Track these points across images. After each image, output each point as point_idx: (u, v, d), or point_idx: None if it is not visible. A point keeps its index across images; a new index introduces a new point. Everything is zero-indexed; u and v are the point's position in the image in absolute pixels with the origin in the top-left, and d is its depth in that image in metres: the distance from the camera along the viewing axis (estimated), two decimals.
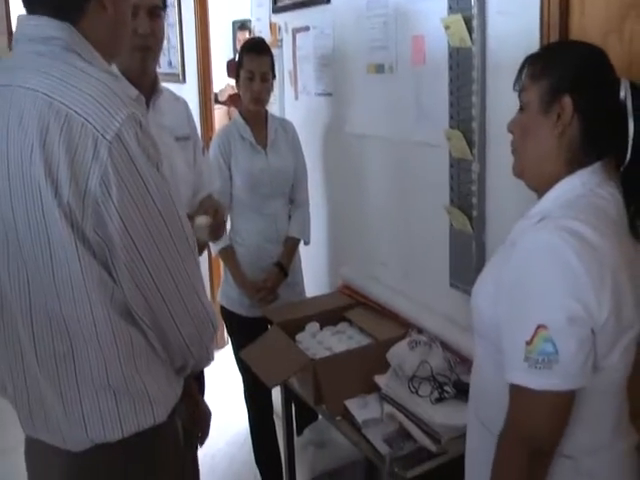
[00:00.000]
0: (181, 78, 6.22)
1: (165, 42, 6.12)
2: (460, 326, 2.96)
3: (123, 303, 1.75)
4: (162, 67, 6.33)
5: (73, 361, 1.77)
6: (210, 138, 4.68)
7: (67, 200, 1.64)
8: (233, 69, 4.14)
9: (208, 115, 6.13)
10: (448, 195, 3.06)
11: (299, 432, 3.94)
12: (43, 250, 1.70)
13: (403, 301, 3.39)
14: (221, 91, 7.95)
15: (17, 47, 1.80)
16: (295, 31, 4.35)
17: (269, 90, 3.96)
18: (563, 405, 1.68)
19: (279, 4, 4.47)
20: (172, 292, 1.78)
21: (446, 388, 2.69)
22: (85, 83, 1.69)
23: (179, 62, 6.23)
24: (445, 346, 2.92)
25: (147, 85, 2.90)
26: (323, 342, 3.32)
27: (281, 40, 4.50)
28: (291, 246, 4.05)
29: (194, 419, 2.16)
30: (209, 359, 2.03)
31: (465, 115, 2.89)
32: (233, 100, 7.58)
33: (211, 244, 3.98)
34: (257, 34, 4.72)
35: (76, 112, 1.65)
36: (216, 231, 2.89)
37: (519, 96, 1.91)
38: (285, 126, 4.10)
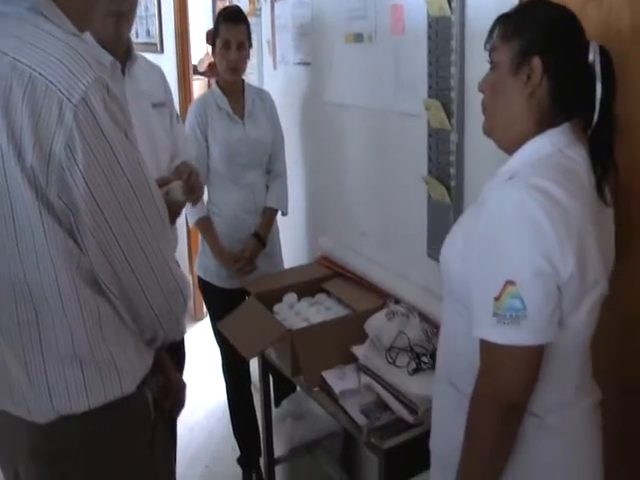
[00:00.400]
0: (159, 48, 6.14)
1: (143, 11, 6.07)
2: (438, 297, 2.91)
3: (90, 271, 1.71)
4: (140, 37, 6.27)
5: (38, 330, 1.73)
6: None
7: (30, 164, 1.59)
8: None
9: (186, 86, 6.07)
10: (426, 165, 3.02)
11: (277, 404, 3.94)
12: (6, 215, 1.65)
13: (381, 272, 3.36)
14: (200, 61, 7.86)
15: None
16: (274, 0, 4.28)
17: (246, 59, 3.91)
18: (532, 360, 1.69)
19: None
20: (140, 261, 1.73)
21: (423, 359, 2.66)
22: (51, 45, 1.63)
23: (157, 32, 6.14)
24: (423, 317, 2.89)
25: (122, 52, 2.87)
26: (301, 313, 3.29)
27: (260, 9, 4.44)
28: (269, 217, 4.02)
29: (166, 392, 2.12)
30: (180, 331, 1.99)
31: (444, 85, 2.85)
32: (212, 70, 7.50)
33: (188, 215, 3.95)
34: (236, 2, 4.65)
35: (40, 74, 1.59)
36: (193, 193, 2.85)
37: (490, 55, 1.91)
38: (262, 96, 4.04)
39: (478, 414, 1.75)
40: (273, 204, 4.02)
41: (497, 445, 1.75)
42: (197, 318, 6.54)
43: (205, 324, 6.19)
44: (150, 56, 3.37)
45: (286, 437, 3.75)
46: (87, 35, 2.71)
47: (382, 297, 3.21)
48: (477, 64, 2.63)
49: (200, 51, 7.68)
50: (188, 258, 6.08)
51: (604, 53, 1.80)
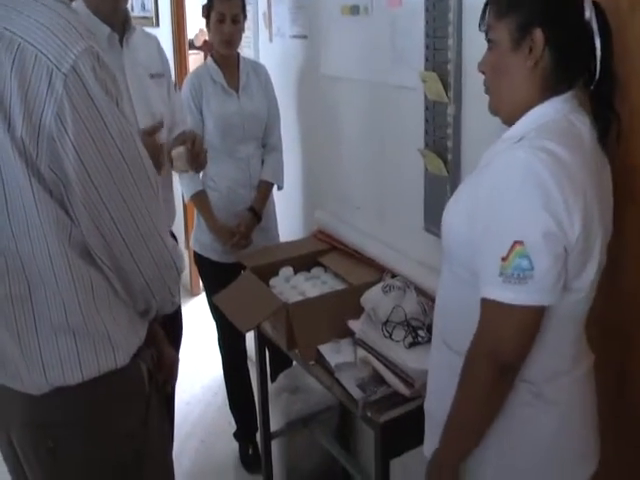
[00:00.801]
0: (154, 22, 6.08)
1: None
2: (434, 270, 2.90)
3: (82, 243, 1.70)
4: (135, 10, 6.21)
5: (30, 302, 1.73)
6: None
7: (20, 135, 1.57)
8: None
9: (182, 61, 6.02)
10: (423, 138, 2.99)
11: (273, 378, 3.92)
12: None
13: (377, 246, 3.34)
14: (196, 36, 7.82)
15: None
16: None
17: (240, 32, 3.88)
18: (533, 321, 1.72)
19: None
20: (132, 232, 1.72)
21: (420, 332, 2.65)
22: (40, 14, 1.61)
23: (152, 5, 6.09)
24: (419, 290, 2.87)
25: (119, 23, 2.87)
26: (297, 287, 3.28)
27: None
28: (264, 190, 3.99)
29: (160, 365, 2.11)
30: (173, 302, 1.99)
31: (441, 57, 2.82)
32: (208, 45, 7.46)
33: (183, 190, 3.92)
34: None
35: (30, 43, 1.57)
36: (196, 159, 2.83)
37: (486, 35, 1.91)
38: (257, 69, 4.01)
39: (471, 370, 1.78)
40: (269, 178, 3.99)
41: (485, 403, 1.79)
42: (193, 293, 6.54)
43: (201, 299, 6.18)
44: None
45: (282, 411, 3.73)
46: (82, 6, 2.69)
47: (378, 271, 3.20)
48: (475, 36, 2.59)
49: (196, 25, 7.63)
50: (184, 232, 6.06)
51: (597, 7, 1.80)
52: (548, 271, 1.65)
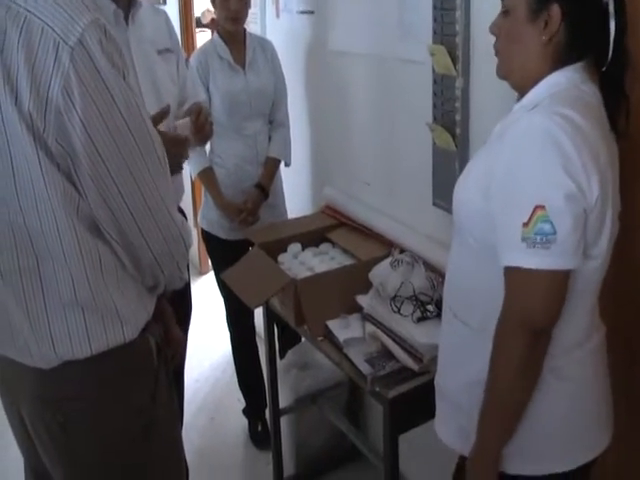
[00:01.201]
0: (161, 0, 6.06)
1: None
2: (443, 245, 2.90)
3: (90, 217, 1.70)
4: None
5: (39, 276, 1.73)
6: None
7: (28, 109, 1.57)
8: None
9: (189, 38, 6.01)
10: (431, 112, 2.98)
11: (282, 355, 3.93)
12: (4, 161, 1.64)
13: (386, 221, 3.33)
14: (203, 14, 7.79)
15: None
16: None
17: (247, 8, 3.87)
18: (560, 284, 1.71)
19: None
20: (140, 205, 1.73)
21: (428, 307, 2.64)
22: None
23: None
24: (428, 265, 2.87)
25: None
26: (305, 263, 3.28)
27: None
28: (271, 167, 3.99)
29: (167, 340, 2.12)
30: (181, 278, 1.99)
31: (449, 30, 2.80)
32: (216, 23, 7.44)
33: (190, 167, 3.92)
34: None
35: (36, 16, 1.57)
36: (200, 130, 2.81)
37: (502, 0, 1.90)
38: (264, 45, 4.00)
39: (506, 342, 1.76)
40: (275, 154, 3.99)
41: (525, 373, 1.77)
42: (202, 272, 6.54)
43: (210, 278, 6.18)
44: None
45: (291, 388, 3.74)
46: None
47: (387, 246, 3.19)
48: (483, 8, 2.59)
49: (203, 3, 7.60)
50: (192, 209, 6.06)
51: None
52: (570, 234, 1.65)
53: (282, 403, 3.69)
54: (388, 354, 2.60)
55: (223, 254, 3.85)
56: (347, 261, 3.25)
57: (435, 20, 2.86)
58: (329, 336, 2.79)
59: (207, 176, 3.91)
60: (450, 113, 2.86)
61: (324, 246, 3.46)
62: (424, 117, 3.00)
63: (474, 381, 1.85)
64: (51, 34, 1.56)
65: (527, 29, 1.82)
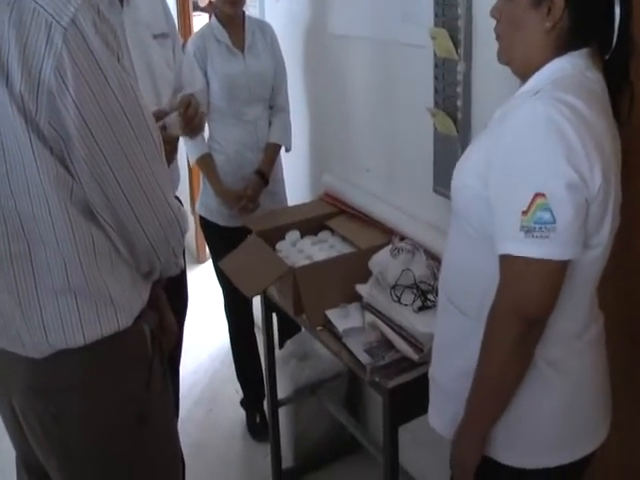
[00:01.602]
0: None
1: None
2: (444, 232, 2.88)
3: (83, 201, 1.70)
4: None
5: (30, 262, 1.73)
6: None
7: (19, 90, 1.57)
8: None
9: (186, 22, 6.01)
10: (432, 97, 2.98)
11: (281, 345, 3.94)
12: None
13: (386, 208, 3.33)
14: None
15: None
16: None
17: None
18: (556, 275, 1.70)
19: None
20: (135, 189, 1.73)
21: (429, 296, 2.65)
22: None
23: None
24: (429, 253, 2.87)
25: None
26: (304, 251, 3.28)
27: None
28: (272, 153, 3.98)
29: (162, 328, 2.11)
30: (177, 264, 1.99)
31: (451, 13, 2.79)
32: (213, 6, 7.41)
33: (189, 153, 3.93)
34: None
35: None
36: (189, 124, 2.80)
37: None
38: (263, 28, 3.98)
39: (497, 328, 1.76)
40: (276, 140, 3.99)
41: (514, 360, 1.77)
42: (200, 260, 6.54)
43: (208, 266, 6.18)
44: None
45: (290, 378, 3.75)
46: None
47: (387, 234, 3.19)
48: None
49: None
50: (190, 197, 6.05)
51: None
52: (571, 224, 1.64)
53: (280, 394, 3.70)
54: (388, 344, 2.60)
55: (222, 242, 3.83)
56: (346, 249, 3.25)
57: (436, 3, 2.86)
58: (328, 326, 2.79)
59: (206, 163, 3.91)
60: (452, 98, 2.86)
61: (323, 234, 3.46)
62: (425, 102, 3.00)
63: (469, 371, 1.85)
64: (43, 14, 1.56)
65: (530, 15, 1.81)
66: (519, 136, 1.69)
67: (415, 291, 2.68)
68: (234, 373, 4.39)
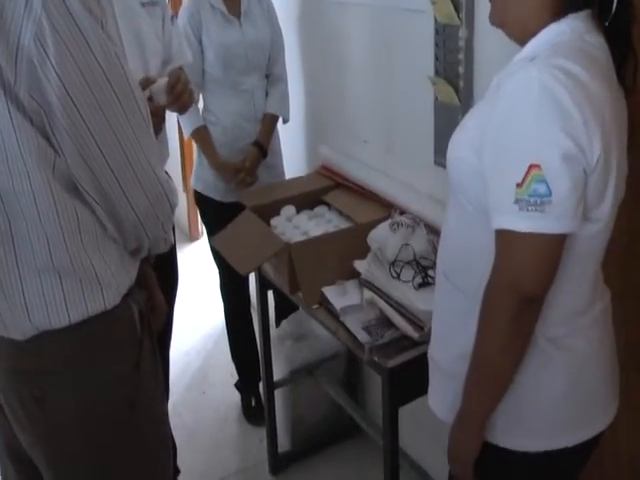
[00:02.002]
0: None
1: None
2: (446, 206, 2.91)
3: (66, 174, 1.69)
4: None
5: (11, 240, 1.72)
6: None
7: None
8: None
9: None
10: (433, 65, 2.97)
11: (277, 324, 3.94)
12: None
13: (385, 181, 3.34)
14: None
15: None
16: None
17: None
18: (554, 250, 1.68)
19: None
20: (121, 162, 1.71)
21: (430, 272, 2.64)
22: None
23: None
24: (429, 228, 2.87)
25: None
26: (299, 226, 3.28)
27: None
28: (269, 123, 3.98)
29: (152, 307, 2.11)
30: (166, 240, 1.99)
31: None
32: None
33: (183, 126, 3.92)
34: None
35: None
36: (177, 100, 2.78)
37: None
38: None
39: (492, 306, 1.74)
40: (273, 110, 3.97)
41: (511, 341, 1.75)
42: (192, 238, 6.53)
43: (201, 244, 6.20)
44: None
45: (286, 359, 3.76)
46: None
47: (386, 208, 3.19)
48: None
49: None
50: (181, 173, 6.03)
51: None
52: (567, 196, 1.62)
53: (276, 376, 3.72)
54: (387, 322, 2.61)
55: (218, 217, 3.78)
56: (344, 224, 3.25)
57: None
58: (325, 304, 2.80)
59: (201, 135, 3.90)
60: (453, 65, 2.86)
61: (319, 208, 3.46)
62: (425, 70, 3.00)
63: (469, 351, 1.83)
64: None
65: None
66: (512, 105, 1.67)
67: (415, 267, 2.68)
68: (228, 354, 4.39)
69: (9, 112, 1.60)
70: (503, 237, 1.70)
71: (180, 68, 3.04)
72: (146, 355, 1.97)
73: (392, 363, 2.48)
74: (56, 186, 1.69)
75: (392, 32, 3.26)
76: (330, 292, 2.80)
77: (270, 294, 3.65)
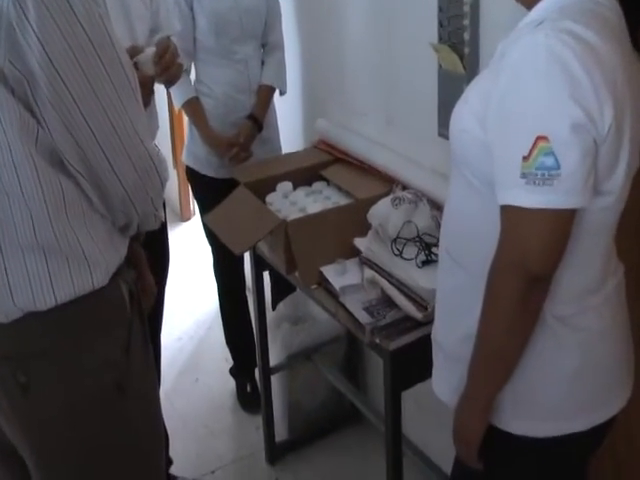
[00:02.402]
0: None
1: None
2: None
3: (51, 147, 1.69)
4: None
5: None
6: None
7: None
8: None
9: None
10: (436, 31, 2.96)
11: (274, 307, 3.94)
12: None
13: (386, 154, 3.33)
14: None
15: None
16: None
17: None
18: (563, 227, 1.67)
19: None
20: (109, 134, 1.71)
21: (433, 250, 2.64)
22: None
23: None
24: (433, 203, 2.87)
25: None
26: (296, 203, 3.28)
27: None
28: (265, 95, 3.96)
29: (142, 287, 2.11)
30: (157, 217, 1.99)
31: None
32: None
33: (173, 97, 3.90)
34: None
35: None
36: (165, 71, 2.77)
37: None
38: None
39: (496, 286, 1.74)
40: (269, 81, 3.95)
41: (516, 322, 1.74)
42: (184, 218, 6.51)
43: (192, 225, 6.19)
44: None
45: (283, 343, 3.76)
46: None
47: (387, 183, 3.19)
48: None
49: None
50: (171, 148, 6.01)
51: None
52: (577, 169, 1.60)
53: (273, 361, 3.72)
54: (389, 302, 2.61)
55: (211, 194, 3.77)
56: (343, 200, 3.25)
57: None
58: (324, 284, 2.80)
59: (193, 107, 3.88)
60: (458, 31, 2.85)
61: (317, 184, 3.46)
62: (428, 37, 2.99)
63: (474, 332, 1.83)
64: None
65: None
66: (518, 72, 1.66)
67: (418, 244, 2.68)
68: (222, 339, 4.40)
69: None
70: (509, 213, 1.69)
71: (168, 38, 3.03)
72: (136, 337, 1.97)
73: (394, 345, 2.48)
74: (39, 159, 1.68)
75: None
76: (329, 271, 2.80)
77: (266, 275, 3.65)
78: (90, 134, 1.68)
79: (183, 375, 4.62)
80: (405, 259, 2.64)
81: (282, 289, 3.90)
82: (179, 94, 3.84)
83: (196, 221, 5.62)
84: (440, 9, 2.91)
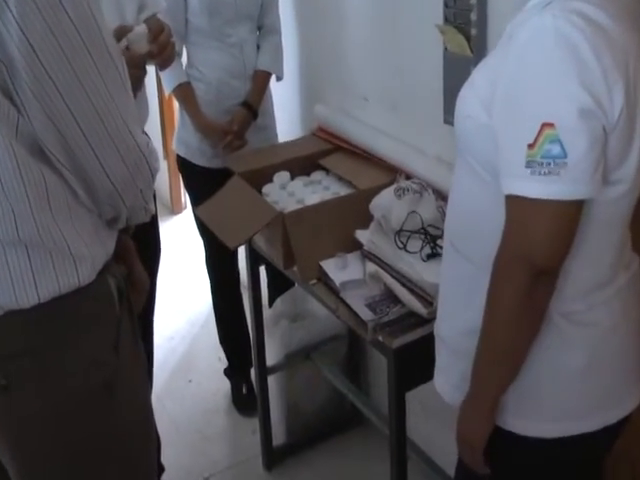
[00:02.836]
0: None
1: None
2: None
3: (32, 137, 1.68)
4: None
5: None
6: None
7: None
8: None
9: None
10: (442, 12, 2.96)
11: (271, 304, 3.94)
12: None
13: (389, 142, 3.34)
14: None
15: None
16: None
17: None
18: (569, 218, 1.67)
19: None
20: (94, 123, 1.70)
21: (439, 242, 2.64)
22: None
23: None
24: (438, 193, 2.87)
25: None
26: (294, 194, 3.29)
27: None
28: (261, 81, 3.95)
29: (132, 283, 2.10)
30: (147, 210, 1.98)
31: None
32: None
33: (164, 82, 3.89)
34: None
35: None
36: (161, 52, 2.77)
37: None
38: None
39: (500, 279, 1.74)
40: (265, 66, 3.95)
41: (519, 316, 1.74)
42: (175, 211, 6.51)
43: (184, 218, 6.19)
44: None
45: (281, 342, 3.76)
46: None
47: (390, 172, 3.19)
48: None
49: None
50: (161, 136, 6.00)
51: None
52: (584, 158, 1.60)
53: (270, 361, 3.73)
54: (392, 297, 2.62)
55: (203, 185, 3.77)
56: (343, 191, 3.26)
57: None
58: (323, 279, 2.81)
59: (184, 93, 3.87)
60: (465, 12, 2.85)
61: (316, 174, 3.47)
62: (433, 17, 2.99)
63: (477, 326, 1.83)
64: None
65: None
66: (524, 55, 1.66)
67: (423, 237, 2.69)
68: (216, 338, 4.41)
69: None
70: (514, 203, 1.69)
71: (155, 16, 3.03)
72: (126, 335, 1.96)
73: (398, 343, 2.49)
74: (20, 150, 1.67)
75: None
76: (329, 266, 2.81)
77: (262, 270, 3.65)
78: (74, 123, 1.67)
79: (175, 376, 4.63)
80: (409, 252, 2.65)
81: (279, 285, 3.90)
82: (170, 78, 3.82)
83: (188, 214, 5.61)
84: None
